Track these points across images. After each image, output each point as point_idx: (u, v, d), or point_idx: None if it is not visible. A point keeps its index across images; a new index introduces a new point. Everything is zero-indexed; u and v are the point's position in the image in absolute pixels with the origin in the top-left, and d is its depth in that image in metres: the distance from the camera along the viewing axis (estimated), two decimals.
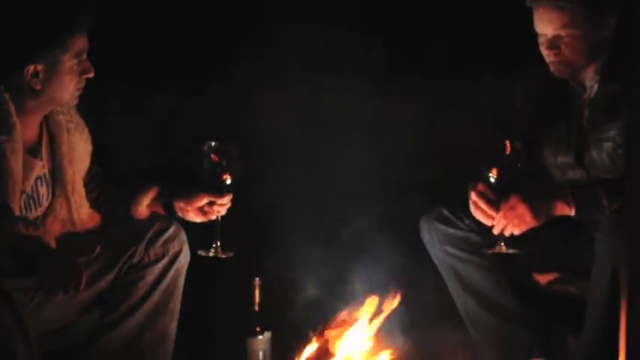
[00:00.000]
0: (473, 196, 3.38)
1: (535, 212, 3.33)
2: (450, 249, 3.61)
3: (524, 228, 3.34)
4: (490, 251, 3.40)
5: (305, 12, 4.38)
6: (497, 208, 3.35)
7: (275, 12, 4.40)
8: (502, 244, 3.37)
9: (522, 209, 3.32)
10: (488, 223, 3.39)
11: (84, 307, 3.44)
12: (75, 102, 3.35)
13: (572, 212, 3.35)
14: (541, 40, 3.43)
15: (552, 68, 3.44)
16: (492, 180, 3.33)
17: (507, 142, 3.31)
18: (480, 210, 3.38)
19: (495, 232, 3.36)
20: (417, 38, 4.41)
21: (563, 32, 3.37)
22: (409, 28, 4.40)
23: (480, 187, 3.36)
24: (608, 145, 3.40)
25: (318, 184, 4.41)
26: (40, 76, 3.22)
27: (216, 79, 4.45)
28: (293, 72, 4.42)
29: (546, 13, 3.38)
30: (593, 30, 3.37)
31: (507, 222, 3.33)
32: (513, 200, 3.32)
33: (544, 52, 3.43)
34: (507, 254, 3.37)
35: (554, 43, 3.39)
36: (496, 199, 3.35)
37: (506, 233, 3.35)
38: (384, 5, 4.41)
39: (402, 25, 4.41)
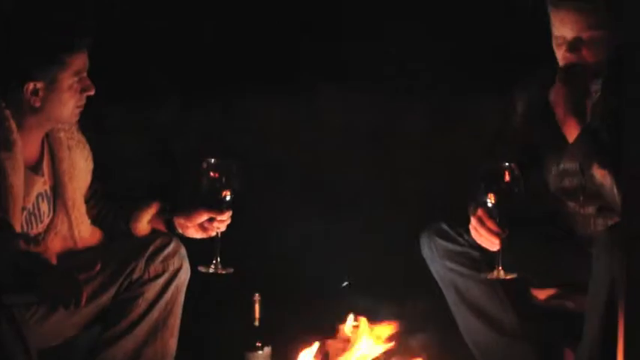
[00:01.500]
0: (473, 221, 3.39)
1: (559, 95, 3.38)
2: (450, 264, 3.61)
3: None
4: (488, 277, 3.40)
5: (304, 25, 4.40)
6: (496, 233, 3.36)
7: (273, 25, 4.41)
8: (500, 268, 3.37)
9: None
10: (489, 247, 3.40)
11: (84, 323, 3.44)
12: (75, 119, 3.37)
13: (571, 137, 3.39)
14: (558, 42, 3.41)
15: (570, 72, 3.43)
16: (490, 205, 3.33)
17: (505, 168, 3.31)
18: (480, 235, 3.39)
19: None
20: (416, 51, 4.42)
21: (585, 35, 3.36)
22: (410, 41, 4.41)
23: (480, 212, 3.37)
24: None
25: (317, 198, 4.42)
26: (40, 93, 3.24)
27: (215, 95, 4.46)
28: (292, 86, 4.43)
29: (567, 15, 3.37)
30: (612, 34, 3.36)
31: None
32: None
33: (561, 55, 3.42)
34: (505, 279, 3.38)
35: (574, 46, 3.38)
36: (495, 223, 3.36)
37: None
38: (386, 19, 4.42)
39: (403, 39, 4.43)
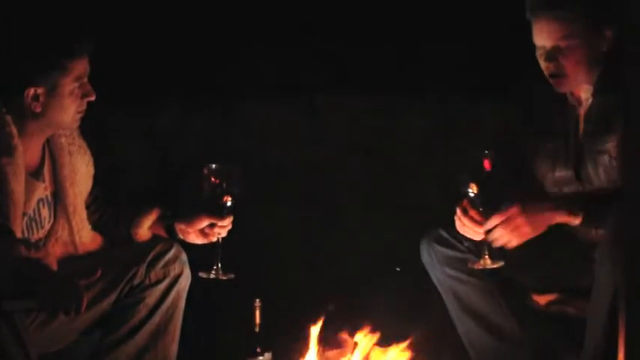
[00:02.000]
0: (457, 212, 3.40)
1: (533, 224, 3.34)
2: (449, 270, 3.61)
3: (521, 240, 3.35)
4: (476, 266, 3.41)
5: (306, 32, 4.41)
6: (479, 222, 3.36)
7: (274, 32, 4.42)
8: (486, 257, 3.37)
9: (521, 221, 3.33)
10: (472, 237, 3.41)
11: (85, 329, 3.44)
12: (76, 125, 3.37)
13: (577, 221, 3.36)
14: (539, 52, 3.42)
15: (551, 82, 3.44)
16: (472, 195, 3.34)
17: (484, 156, 3.32)
18: (463, 225, 3.40)
19: (490, 240, 3.37)
20: (415, 60, 4.42)
21: (562, 43, 3.36)
22: (409, 50, 4.42)
23: (464, 203, 3.38)
24: (604, 158, 3.40)
25: (318, 204, 4.42)
26: (41, 99, 3.25)
27: (216, 101, 4.47)
28: (293, 92, 4.43)
29: (546, 25, 3.37)
30: (591, 42, 3.37)
31: (504, 233, 3.34)
32: (512, 211, 3.33)
33: (543, 64, 3.43)
34: (493, 268, 3.38)
35: (553, 55, 3.40)
36: (479, 212, 3.36)
37: (499, 243, 3.35)
38: (385, 27, 4.43)
39: (402, 47, 4.44)
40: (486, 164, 3.31)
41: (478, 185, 3.33)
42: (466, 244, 3.54)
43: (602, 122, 3.41)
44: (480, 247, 3.40)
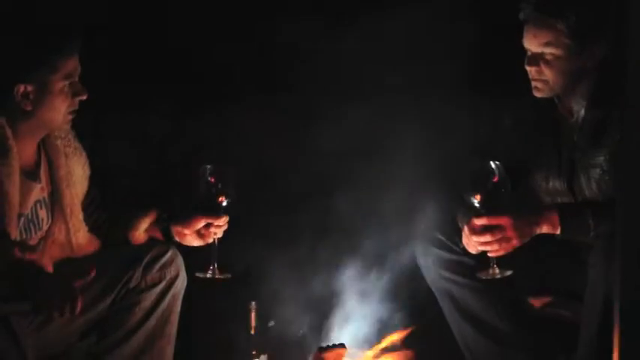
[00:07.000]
0: (465, 230, 3.40)
1: (521, 235, 3.35)
2: (445, 273, 3.62)
3: (507, 251, 3.36)
4: (483, 276, 3.41)
5: (301, 35, 4.41)
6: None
7: (270, 35, 4.42)
8: (495, 266, 3.38)
9: (511, 234, 3.34)
10: (473, 251, 3.42)
11: (82, 332, 3.44)
12: (68, 125, 3.36)
13: (558, 231, 3.37)
14: (527, 55, 3.46)
15: (532, 86, 3.46)
16: (477, 205, 3.34)
17: (491, 168, 3.32)
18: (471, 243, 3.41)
19: (474, 249, 3.38)
20: (414, 63, 4.43)
21: (546, 50, 3.39)
22: (403, 53, 4.42)
23: (473, 222, 3.38)
24: (595, 171, 3.42)
25: (315, 206, 4.42)
26: (30, 96, 3.24)
27: (209, 104, 4.47)
28: (289, 94, 4.44)
29: (534, 29, 3.41)
30: (575, 56, 3.38)
31: (493, 242, 3.35)
32: (504, 222, 3.34)
33: (526, 68, 3.46)
34: (501, 278, 3.38)
35: (535, 60, 3.42)
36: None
37: (485, 249, 3.37)
38: (379, 30, 4.43)
39: (397, 51, 4.44)
40: (494, 175, 3.31)
41: (483, 197, 3.33)
42: (462, 245, 3.55)
43: (595, 136, 3.43)
44: (487, 257, 3.40)
